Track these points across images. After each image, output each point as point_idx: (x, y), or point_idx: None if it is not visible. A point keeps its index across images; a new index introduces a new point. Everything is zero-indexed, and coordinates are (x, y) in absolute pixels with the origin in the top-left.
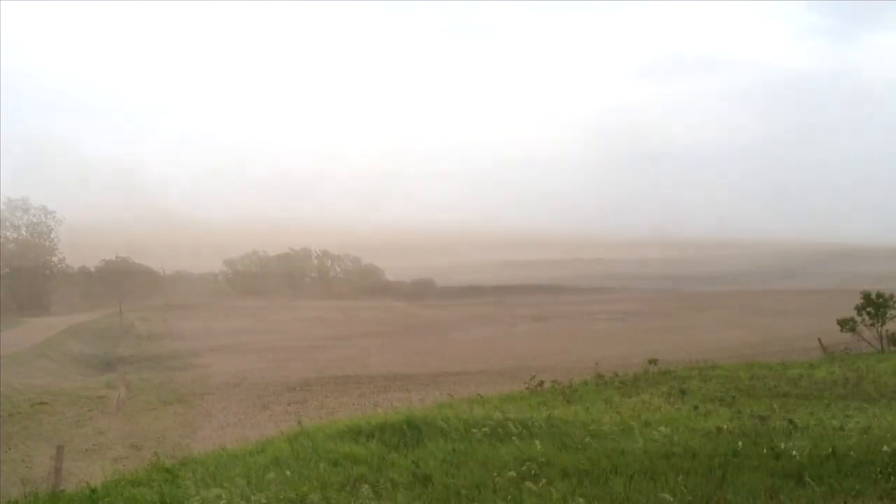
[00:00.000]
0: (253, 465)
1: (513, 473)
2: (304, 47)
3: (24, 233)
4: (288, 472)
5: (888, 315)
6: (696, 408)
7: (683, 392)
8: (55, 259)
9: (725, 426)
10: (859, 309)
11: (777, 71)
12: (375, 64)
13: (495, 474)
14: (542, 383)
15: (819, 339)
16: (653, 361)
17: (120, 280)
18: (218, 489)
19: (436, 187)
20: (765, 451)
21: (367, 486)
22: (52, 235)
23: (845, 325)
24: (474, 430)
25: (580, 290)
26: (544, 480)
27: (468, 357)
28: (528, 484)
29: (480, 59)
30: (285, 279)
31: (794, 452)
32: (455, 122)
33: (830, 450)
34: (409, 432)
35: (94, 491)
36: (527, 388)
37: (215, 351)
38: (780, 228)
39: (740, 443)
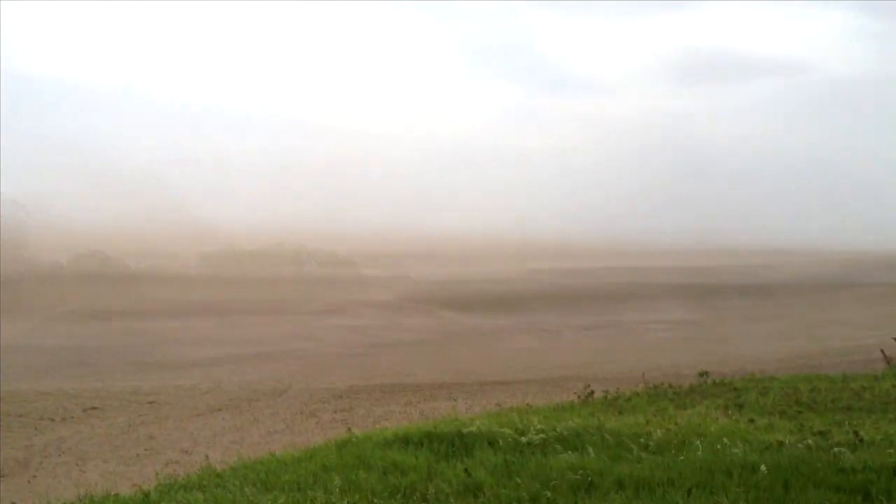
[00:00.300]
0: (302, 472)
1: (566, 484)
2: (333, 47)
3: None
4: (337, 480)
5: None
6: (754, 421)
7: (740, 405)
8: (27, 254)
9: (787, 440)
10: None
11: (825, 75)
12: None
13: (548, 485)
14: (592, 393)
15: (882, 351)
16: (703, 374)
17: (93, 278)
18: (269, 495)
19: (464, 193)
20: (829, 465)
21: (417, 494)
22: (24, 229)
23: None
24: (525, 440)
25: (624, 298)
26: (598, 492)
27: (514, 366)
28: (582, 495)
29: (513, 60)
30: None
31: (860, 467)
32: (480, 125)
33: None
34: (458, 442)
35: (147, 495)
36: (576, 398)
37: (260, 357)
38: (829, 236)
39: (803, 457)
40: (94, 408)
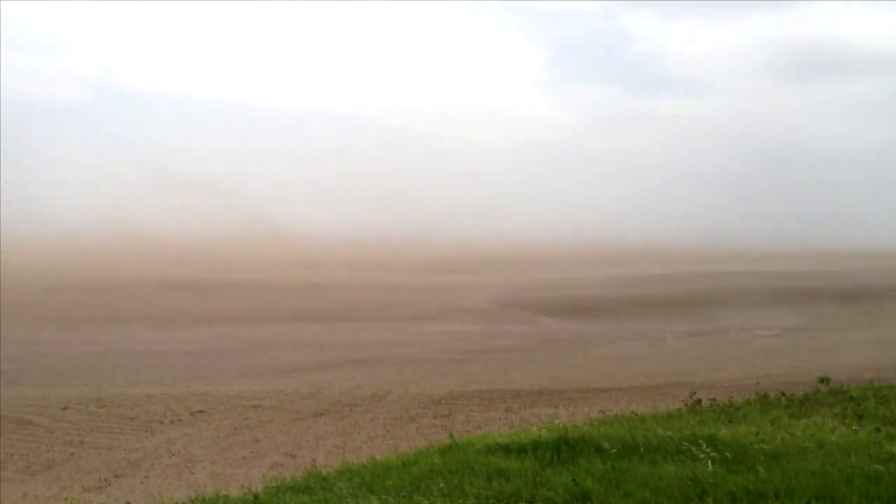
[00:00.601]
0: (406, 477)
1: (678, 494)
2: (412, 48)
3: None
4: (441, 485)
5: None
6: (877, 430)
7: (860, 414)
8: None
9: None
10: None
11: None
12: (497, 63)
13: (659, 494)
14: (700, 401)
15: None
16: (824, 380)
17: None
18: (374, 498)
19: (552, 196)
20: None
21: (522, 501)
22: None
23: None
24: (632, 448)
25: (726, 303)
26: (712, 502)
27: (616, 372)
28: None
29: (604, 61)
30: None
31: None
32: (570, 128)
33: None
34: (564, 449)
35: (256, 496)
36: (684, 406)
37: (358, 363)
38: None
39: None
40: (200, 411)
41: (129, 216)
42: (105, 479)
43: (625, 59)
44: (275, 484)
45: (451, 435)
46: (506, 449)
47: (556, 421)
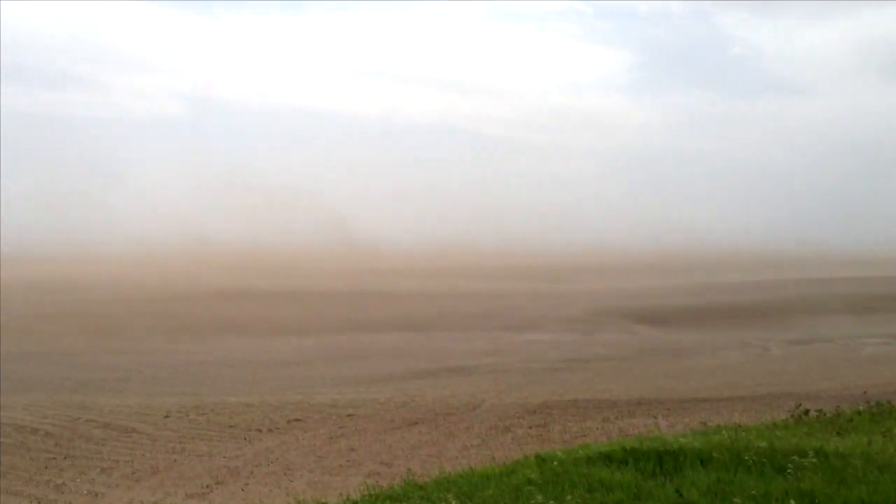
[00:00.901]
0: (505, 487)
1: None
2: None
3: None
4: (540, 497)
5: None
6: None
7: None
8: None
9: None
10: None
11: None
12: (585, 66)
13: None
14: (807, 412)
15: None
16: None
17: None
18: None
19: (644, 202)
20: None
21: None
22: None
23: None
24: (737, 460)
25: (831, 310)
26: None
27: (716, 382)
28: None
29: (698, 63)
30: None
31: None
32: (662, 132)
33: None
34: (666, 460)
35: None
36: (790, 417)
37: (451, 372)
38: None
39: None
40: (296, 419)
41: (216, 227)
42: (207, 486)
43: (719, 60)
44: (372, 492)
45: (550, 445)
46: (605, 459)
47: (656, 432)
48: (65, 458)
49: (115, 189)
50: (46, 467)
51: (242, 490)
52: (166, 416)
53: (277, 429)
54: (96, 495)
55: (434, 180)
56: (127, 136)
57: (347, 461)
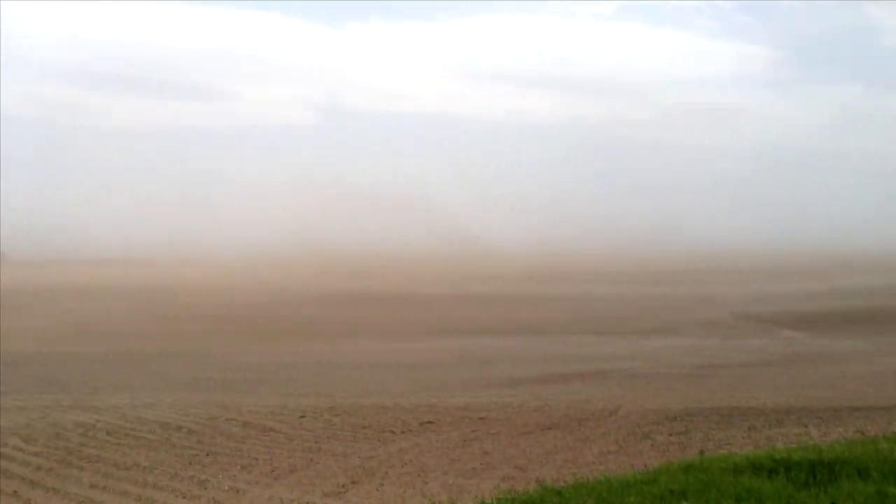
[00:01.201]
0: (647, 495)
1: None
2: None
3: None
4: None
5: None
6: None
7: None
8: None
9: None
10: None
11: None
12: (734, 64)
13: None
14: None
15: None
16: None
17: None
18: None
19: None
20: None
21: None
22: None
23: None
24: None
25: None
26: None
27: (872, 390)
28: None
29: (851, 57)
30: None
31: None
32: (816, 128)
33: None
34: (819, 470)
35: None
36: None
37: (586, 377)
38: None
39: None
40: (429, 422)
41: (338, 231)
42: (343, 485)
43: (869, 53)
44: (508, 497)
45: (701, 451)
46: (754, 469)
47: (808, 441)
48: (207, 454)
49: (232, 196)
50: (190, 463)
51: (377, 490)
52: (302, 417)
53: (410, 430)
54: (238, 491)
55: (556, 182)
56: (257, 146)
57: (481, 464)
